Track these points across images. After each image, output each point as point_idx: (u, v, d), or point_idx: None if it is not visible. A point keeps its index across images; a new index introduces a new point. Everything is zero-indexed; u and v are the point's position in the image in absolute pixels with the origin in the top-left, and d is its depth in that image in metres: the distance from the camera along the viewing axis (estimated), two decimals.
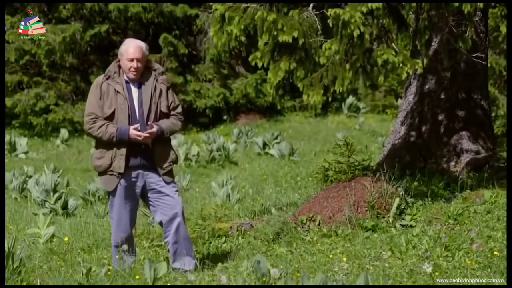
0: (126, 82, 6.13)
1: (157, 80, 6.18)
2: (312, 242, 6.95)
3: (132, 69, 6.07)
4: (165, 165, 6.15)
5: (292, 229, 7.22)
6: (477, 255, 6.10)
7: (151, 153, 6.10)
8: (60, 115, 19.77)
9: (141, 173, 6.11)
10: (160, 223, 6.22)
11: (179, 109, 6.30)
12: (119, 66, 6.15)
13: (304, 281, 4.84)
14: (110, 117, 6.04)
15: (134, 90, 6.12)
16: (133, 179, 6.11)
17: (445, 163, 8.81)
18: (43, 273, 6.41)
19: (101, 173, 6.12)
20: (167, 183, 6.14)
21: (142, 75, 6.15)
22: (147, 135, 5.98)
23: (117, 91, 6.06)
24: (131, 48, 6.09)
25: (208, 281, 5.64)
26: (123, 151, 6.01)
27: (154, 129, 6.03)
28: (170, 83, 6.41)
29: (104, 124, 6.01)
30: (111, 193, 6.14)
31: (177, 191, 6.20)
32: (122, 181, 6.07)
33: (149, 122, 6.06)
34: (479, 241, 6.42)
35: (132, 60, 6.06)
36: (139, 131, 5.99)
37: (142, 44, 6.15)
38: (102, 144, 6.07)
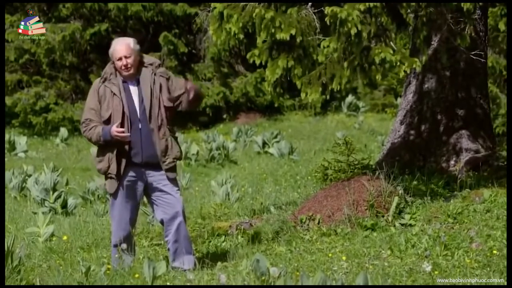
0: (124, 81, 6.06)
1: (155, 74, 6.08)
2: (311, 241, 6.95)
3: (122, 67, 6.01)
4: (168, 161, 6.07)
5: (291, 228, 7.21)
6: (477, 254, 6.09)
7: (154, 149, 6.03)
8: (60, 114, 19.76)
9: (142, 172, 6.06)
10: (161, 222, 6.19)
11: None
12: (115, 68, 6.09)
13: (303, 280, 4.82)
14: (108, 120, 5.99)
15: (133, 89, 6.05)
16: (134, 179, 6.07)
17: (444, 162, 8.80)
18: (43, 272, 6.39)
19: (105, 176, 6.11)
20: (169, 182, 6.09)
21: (139, 71, 6.08)
22: (127, 134, 5.92)
23: (114, 93, 6.00)
24: (117, 46, 6.05)
25: (208, 280, 5.63)
26: (115, 153, 5.97)
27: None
28: (169, 75, 6.22)
29: (94, 126, 5.98)
30: (112, 194, 6.12)
31: (178, 190, 6.17)
32: (122, 182, 6.04)
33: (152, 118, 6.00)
34: (479, 240, 6.41)
35: (120, 58, 6.00)
36: (129, 129, 5.93)
37: (128, 41, 6.10)
38: (101, 147, 6.05)
